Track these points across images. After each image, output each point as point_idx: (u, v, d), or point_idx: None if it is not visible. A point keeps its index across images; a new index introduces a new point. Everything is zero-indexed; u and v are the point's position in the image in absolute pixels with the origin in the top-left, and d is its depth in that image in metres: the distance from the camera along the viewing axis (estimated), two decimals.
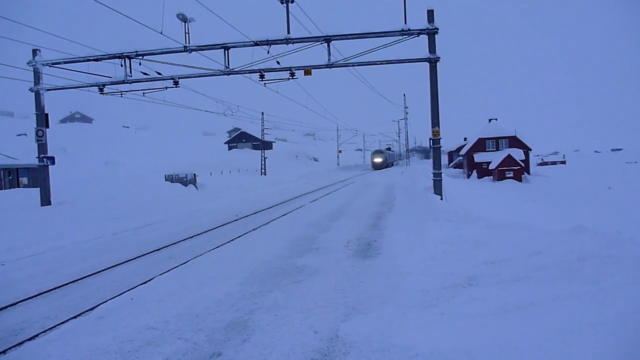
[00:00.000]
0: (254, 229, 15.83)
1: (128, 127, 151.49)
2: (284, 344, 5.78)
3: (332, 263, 9.96)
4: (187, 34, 21.80)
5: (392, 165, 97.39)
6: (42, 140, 26.27)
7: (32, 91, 25.85)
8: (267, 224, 17.04)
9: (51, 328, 7.42)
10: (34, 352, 5.91)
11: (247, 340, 5.96)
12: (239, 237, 14.31)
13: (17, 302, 9.03)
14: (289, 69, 22.72)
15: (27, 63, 24.84)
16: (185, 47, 21.79)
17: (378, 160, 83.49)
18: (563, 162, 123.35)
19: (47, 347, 6.03)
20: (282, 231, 14.73)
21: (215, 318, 6.82)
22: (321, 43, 21.76)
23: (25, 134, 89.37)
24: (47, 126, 26.52)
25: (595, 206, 35.65)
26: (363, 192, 28.85)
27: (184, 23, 21.64)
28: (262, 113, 62.02)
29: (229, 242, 13.48)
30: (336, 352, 5.48)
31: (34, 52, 24.83)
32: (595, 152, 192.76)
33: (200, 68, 23.10)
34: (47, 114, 26.41)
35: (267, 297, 7.71)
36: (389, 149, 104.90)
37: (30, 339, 7.01)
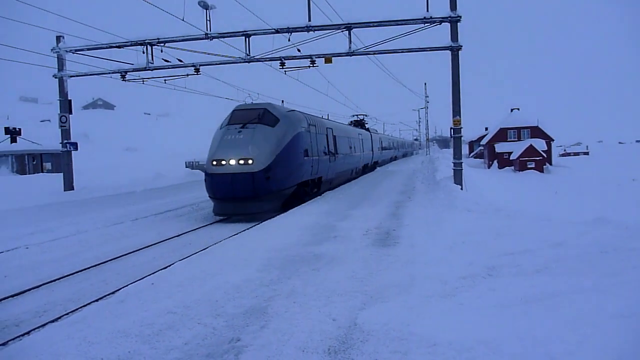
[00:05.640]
0: (272, 217, 15.87)
1: (149, 114, 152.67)
2: (302, 330, 5.80)
3: (351, 251, 9.94)
4: (208, 21, 21.82)
5: (361, 171, 36.57)
6: (65, 126, 26.61)
7: (55, 77, 26.17)
8: (285, 211, 17.07)
9: (73, 311, 7.57)
10: (57, 334, 6.01)
11: (265, 326, 5.99)
12: (258, 224, 14.36)
13: (40, 285, 9.22)
14: (310, 56, 22.66)
15: (51, 50, 25.12)
16: (206, 34, 21.82)
17: (229, 160, 16.53)
18: (586, 153, 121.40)
19: (69, 329, 6.13)
20: (299, 219, 14.73)
21: (234, 304, 6.87)
22: (342, 31, 21.64)
23: (49, 120, 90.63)
24: (70, 112, 26.87)
25: (618, 198, 35.10)
26: (382, 181, 28.73)
27: (205, 10, 21.66)
28: (282, 101, 61.77)
29: (247, 229, 13.54)
30: (354, 340, 5.48)
31: (58, 38, 25.09)
32: (620, 143, 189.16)
33: (221, 55, 23.15)
34: (70, 100, 26.75)
35: (286, 284, 7.74)
36: (361, 123, 44.82)
37: (53, 321, 7.17)
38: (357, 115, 46.62)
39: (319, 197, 20.82)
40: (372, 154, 41.74)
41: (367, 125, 46.15)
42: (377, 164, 46.90)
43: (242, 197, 16.33)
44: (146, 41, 22.77)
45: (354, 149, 31.78)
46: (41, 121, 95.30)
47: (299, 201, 19.14)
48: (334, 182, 25.83)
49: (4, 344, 6.42)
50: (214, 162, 16.65)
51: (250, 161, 16.29)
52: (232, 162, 16.38)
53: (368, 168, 40.30)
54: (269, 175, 16.47)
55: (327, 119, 30.98)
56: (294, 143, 18.33)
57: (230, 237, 12.44)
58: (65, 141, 26.70)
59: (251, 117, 17.88)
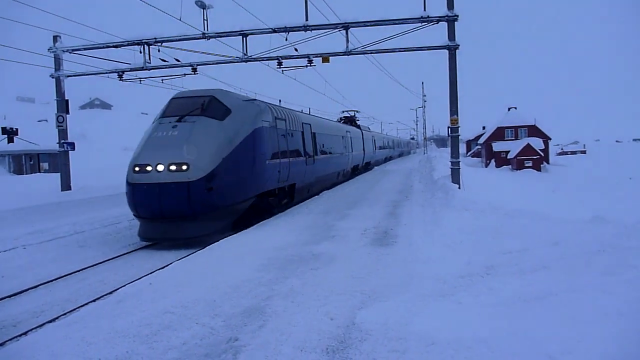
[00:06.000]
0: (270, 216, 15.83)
1: (147, 114, 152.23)
2: (301, 330, 5.79)
3: (349, 251, 9.95)
4: (205, 21, 21.77)
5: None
6: (62, 126, 26.54)
7: (52, 77, 26.10)
8: (283, 211, 17.05)
9: (71, 311, 7.55)
10: (55, 334, 6.01)
11: (263, 325, 5.99)
12: (256, 223, 14.34)
13: (38, 285, 9.20)
14: (307, 56, 22.62)
15: (48, 49, 25.05)
16: (203, 33, 21.76)
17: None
18: (583, 152, 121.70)
19: (67, 330, 6.12)
20: (298, 218, 14.73)
21: (232, 304, 6.86)
22: (339, 30, 21.61)
23: (46, 120, 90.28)
24: (67, 112, 26.81)
25: (616, 197, 35.15)
26: (380, 180, 28.73)
27: (202, 10, 21.61)
28: (280, 100, 61.80)
29: (246, 228, 13.52)
30: (352, 339, 5.48)
31: (55, 38, 25.02)
32: (617, 141, 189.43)
33: (218, 55, 23.11)
34: (67, 100, 26.68)
35: (284, 283, 7.73)
36: (352, 120, 41.03)
37: (51, 322, 7.14)
38: (347, 111, 41.48)
39: (316, 196, 20.77)
40: (363, 154, 37.89)
41: (358, 122, 41.43)
42: (370, 165, 43.28)
43: (174, 216, 12.22)
44: (143, 41, 22.70)
45: (341, 148, 28.31)
46: (38, 121, 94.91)
47: (261, 216, 15.10)
48: (314, 188, 21.93)
49: (1, 345, 6.41)
50: (137, 168, 12.38)
51: (184, 167, 12.03)
52: (160, 167, 12.10)
53: (359, 170, 37.07)
54: (211, 186, 12.29)
55: (309, 113, 27.51)
56: (251, 142, 14.03)
57: (229, 236, 12.41)
58: (63, 141, 26.64)
59: (193, 108, 13.56)
